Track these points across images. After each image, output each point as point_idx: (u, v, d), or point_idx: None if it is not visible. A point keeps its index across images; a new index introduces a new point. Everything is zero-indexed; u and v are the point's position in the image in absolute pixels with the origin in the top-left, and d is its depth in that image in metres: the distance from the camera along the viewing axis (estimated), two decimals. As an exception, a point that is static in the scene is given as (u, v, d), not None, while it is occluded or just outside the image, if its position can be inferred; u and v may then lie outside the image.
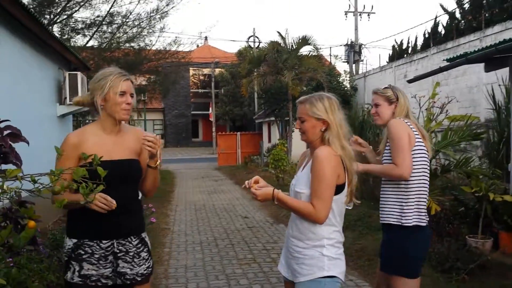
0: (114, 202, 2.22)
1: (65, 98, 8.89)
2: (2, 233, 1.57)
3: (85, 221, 2.35)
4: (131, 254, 2.44)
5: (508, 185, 6.04)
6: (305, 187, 2.35)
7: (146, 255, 2.52)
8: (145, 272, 2.49)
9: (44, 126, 8.08)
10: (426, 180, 2.98)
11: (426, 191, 2.98)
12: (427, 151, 2.99)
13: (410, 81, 7.71)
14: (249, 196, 12.53)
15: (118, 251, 2.40)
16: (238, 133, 24.26)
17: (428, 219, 2.99)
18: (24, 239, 1.93)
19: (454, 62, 6.00)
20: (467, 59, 5.70)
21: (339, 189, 2.33)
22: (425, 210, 2.97)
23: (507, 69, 7.06)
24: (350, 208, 2.51)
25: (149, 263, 2.53)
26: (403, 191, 2.90)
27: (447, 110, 10.86)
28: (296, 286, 2.39)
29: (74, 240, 2.38)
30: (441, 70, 6.30)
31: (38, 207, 2.38)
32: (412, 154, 2.88)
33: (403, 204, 2.88)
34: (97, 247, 2.36)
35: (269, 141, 23.02)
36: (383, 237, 3.08)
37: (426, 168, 2.98)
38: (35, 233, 2.46)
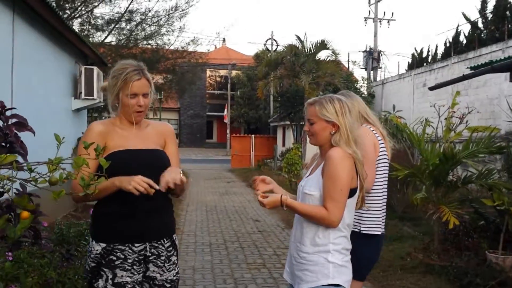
0: (157, 187, 2.07)
1: (80, 92, 8.85)
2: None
3: (114, 223, 2.20)
4: (163, 258, 2.28)
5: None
6: (315, 189, 2.25)
7: (176, 260, 2.36)
8: (174, 278, 2.33)
9: (58, 120, 8.03)
10: (386, 188, 2.98)
11: (385, 198, 2.97)
12: (387, 155, 2.96)
13: (431, 89, 7.51)
14: (261, 199, 12.39)
15: (150, 254, 2.25)
16: (252, 135, 24.11)
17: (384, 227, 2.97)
18: (20, 231, 1.80)
19: (478, 70, 5.79)
20: (492, 67, 5.49)
21: (351, 192, 2.23)
22: (384, 218, 2.96)
23: None
24: None
25: (178, 269, 2.38)
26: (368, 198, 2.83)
27: (467, 121, 10.58)
28: None
29: (103, 245, 2.20)
30: (464, 78, 6.09)
31: (46, 200, 2.25)
32: (376, 163, 2.86)
33: (363, 212, 2.80)
34: (130, 251, 2.20)
35: (283, 145, 22.86)
36: None
37: (387, 176, 2.98)
38: (40, 227, 2.33)
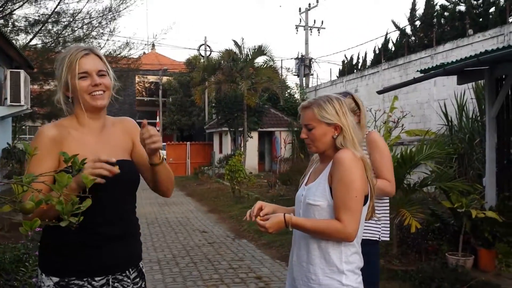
0: (113, 159, 1.64)
1: (6, 98, 7.98)
2: None
3: (70, 253, 1.75)
4: None
5: (483, 200, 5.91)
6: (321, 198, 1.95)
7: None
8: None
9: (-20, 129, 7.17)
10: None
11: None
12: None
13: (380, 92, 7.54)
14: (203, 208, 11.97)
15: None
16: (188, 143, 23.58)
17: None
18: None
19: (430, 73, 5.83)
20: (445, 69, 5.53)
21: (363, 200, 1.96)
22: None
23: (456, 86, 7.18)
24: None
25: None
26: (382, 206, 2.75)
27: (402, 124, 10.84)
28: None
29: (55, 279, 1.76)
30: (415, 80, 6.13)
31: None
32: None
33: (381, 219, 2.72)
34: (89, 286, 1.77)
35: (220, 151, 22.51)
36: None
37: None
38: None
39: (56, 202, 1.17)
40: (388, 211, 2.79)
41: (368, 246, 2.60)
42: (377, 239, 2.67)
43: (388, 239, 2.79)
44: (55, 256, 1.80)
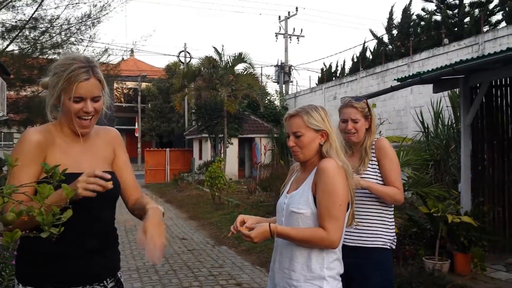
0: (108, 176, 1.63)
1: (-20, 105, 7.84)
2: None
3: (46, 261, 1.74)
4: None
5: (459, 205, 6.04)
6: (304, 206, 2.00)
7: None
8: None
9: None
10: None
11: None
12: None
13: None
14: (183, 215, 11.90)
15: None
16: (168, 149, 23.44)
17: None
18: None
19: (406, 82, 5.95)
20: (421, 78, 5.66)
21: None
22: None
23: (432, 94, 7.34)
24: None
25: None
26: (389, 214, 2.72)
27: (380, 131, 11.00)
28: None
29: None
30: (392, 89, 6.26)
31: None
32: None
33: (389, 226, 2.70)
34: None
35: (200, 158, 22.44)
36: (364, 260, 2.70)
37: None
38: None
39: (37, 214, 1.17)
40: (392, 218, 2.76)
41: (382, 255, 2.62)
42: (388, 247, 2.64)
43: (394, 247, 2.72)
44: (32, 266, 1.79)
